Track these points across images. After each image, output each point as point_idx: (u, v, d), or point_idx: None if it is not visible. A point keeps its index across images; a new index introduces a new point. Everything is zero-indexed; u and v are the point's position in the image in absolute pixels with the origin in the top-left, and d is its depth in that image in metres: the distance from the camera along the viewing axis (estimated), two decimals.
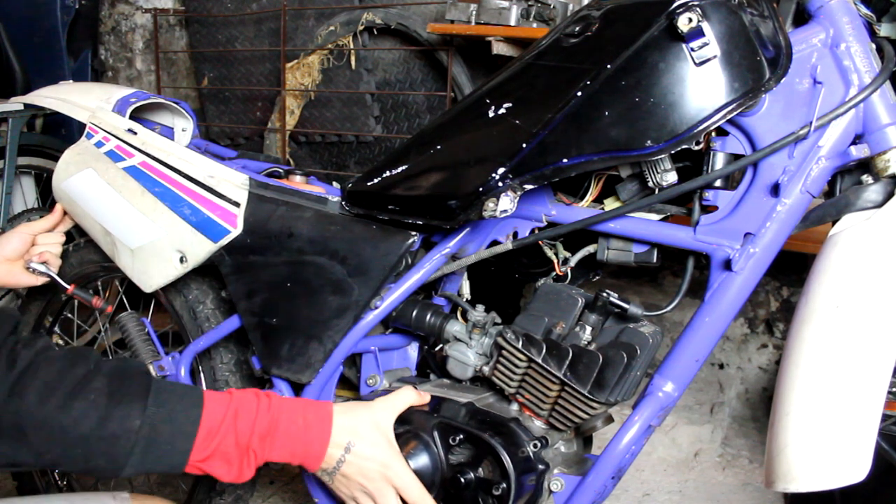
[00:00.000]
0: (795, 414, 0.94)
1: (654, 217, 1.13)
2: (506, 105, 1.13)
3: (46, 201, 2.67)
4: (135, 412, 0.88)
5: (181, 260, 1.40)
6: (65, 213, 1.55)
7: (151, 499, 1.14)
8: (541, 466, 1.12)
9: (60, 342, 1.91)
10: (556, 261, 1.23)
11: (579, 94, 1.04)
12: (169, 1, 3.14)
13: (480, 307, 1.26)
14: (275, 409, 0.98)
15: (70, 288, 1.51)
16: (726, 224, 1.07)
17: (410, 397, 1.12)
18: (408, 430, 1.15)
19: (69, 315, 1.85)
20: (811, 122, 0.99)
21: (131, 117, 1.49)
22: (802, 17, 1.06)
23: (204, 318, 1.49)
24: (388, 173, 1.23)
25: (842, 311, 0.94)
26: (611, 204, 1.16)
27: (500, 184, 1.07)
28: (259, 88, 2.89)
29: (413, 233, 1.23)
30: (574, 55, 1.09)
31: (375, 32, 2.54)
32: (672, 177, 1.07)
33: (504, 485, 1.08)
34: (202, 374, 1.52)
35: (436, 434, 1.13)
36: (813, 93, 1.01)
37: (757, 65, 0.99)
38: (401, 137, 2.62)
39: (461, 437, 1.12)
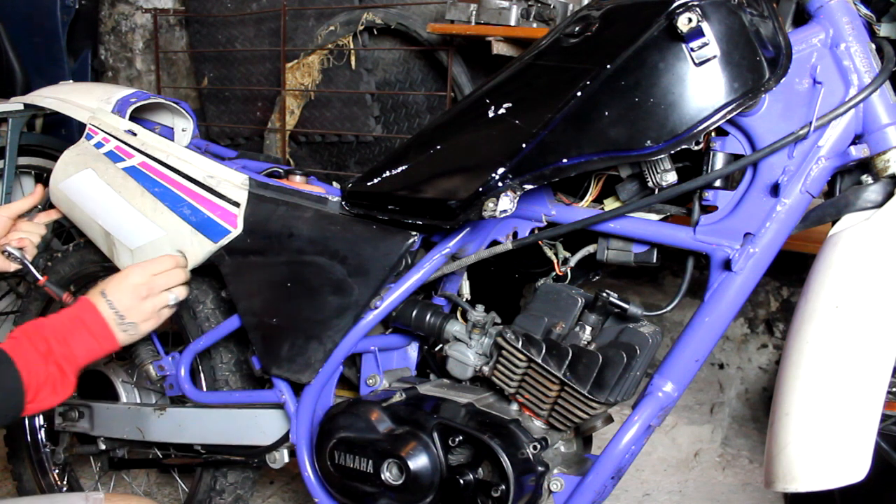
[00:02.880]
0: (795, 414, 0.94)
1: (654, 217, 1.13)
2: (506, 105, 1.13)
3: (46, 202, 2.66)
4: None
5: None
6: (51, 205, 1.54)
7: (127, 498, 1.14)
8: (540, 468, 1.12)
9: None
10: (556, 261, 1.22)
11: (579, 94, 1.04)
12: (169, 1, 3.13)
13: (480, 307, 1.26)
14: (50, 322, 1.11)
15: (42, 279, 1.48)
16: (726, 224, 1.07)
17: (166, 261, 1.25)
18: (407, 430, 1.15)
19: None
20: (811, 122, 0.99)
21: (131, 117, 1.49)
22: (802, 17, 1.06)
23: (204, 318, 1.49)
24: (387, 173, 1.23)
25: (842, 311, 0.94)
26: (611, 204, 1.16)
27: (500, 184, 1.07)
28: (259, 88, 2.89)
29: (413, 233, 1.23)
30: (574, 55, 1.09)
31: (375, 32, 2.53)
32: (672, 177, 1.07)
33: (503, 486, 1.08)
34: (202, 374, 1.52)
35: (435, 435, 1.13)
36: (813, 93, 1.01)
37: (757, 65, 0.99)
38: (401, 137, 2.62)
39: (461, 438, 1.12)
